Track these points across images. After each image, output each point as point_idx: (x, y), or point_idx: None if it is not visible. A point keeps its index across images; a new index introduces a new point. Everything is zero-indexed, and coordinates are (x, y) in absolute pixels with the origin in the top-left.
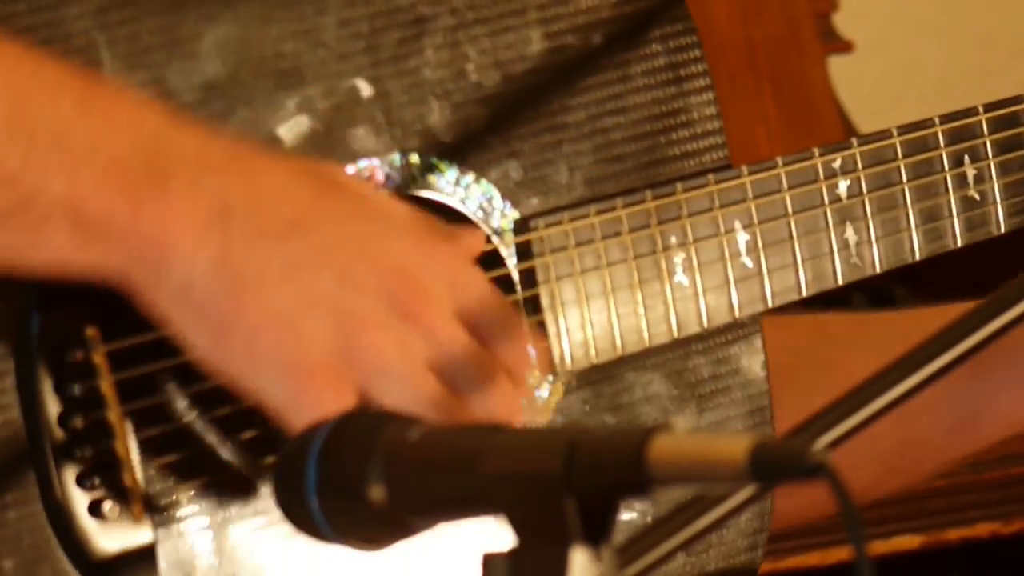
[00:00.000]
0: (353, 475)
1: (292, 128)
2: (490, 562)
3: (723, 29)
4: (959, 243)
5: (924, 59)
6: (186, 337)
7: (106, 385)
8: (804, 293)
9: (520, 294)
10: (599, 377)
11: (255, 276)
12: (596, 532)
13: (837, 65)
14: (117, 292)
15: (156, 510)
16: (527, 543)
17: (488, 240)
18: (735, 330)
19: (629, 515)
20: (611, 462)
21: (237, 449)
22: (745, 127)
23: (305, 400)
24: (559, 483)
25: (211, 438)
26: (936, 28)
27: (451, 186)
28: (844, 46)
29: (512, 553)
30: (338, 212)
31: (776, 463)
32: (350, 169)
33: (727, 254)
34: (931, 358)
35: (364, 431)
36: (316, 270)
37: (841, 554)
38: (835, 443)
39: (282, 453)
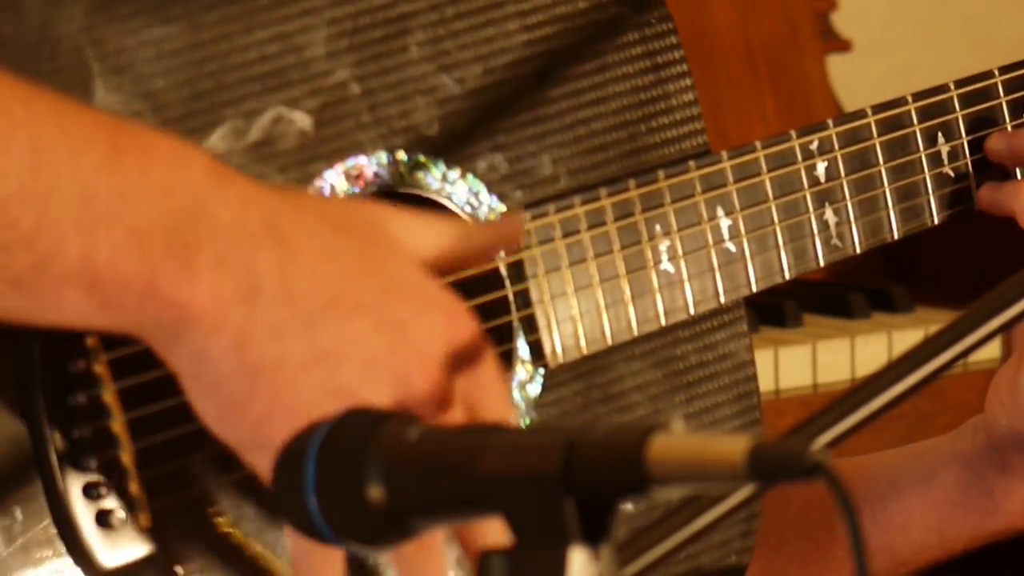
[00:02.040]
0: (352, 475)
1: (281, 129)
2: (488, 561)
3: (722, 29)
4: (935, 221)
5: (922, 59)
6: (195, 404)
7: (109, 394)
8: (787, 276)
9: (509, 288)
10: (589, 368)
11: (273, 364)
12: (595, 532)
13: (835, 64)
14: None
15: (162, 519)
16: (526, 543)
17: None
18: (720, 316)
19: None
20: (609, 462)
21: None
22: (743, 126)
23: None
24: (558, 483)
25: (217, 444)
26: (934, 28)
27: (438, 182)
28: (842, 45)
29: (511, 553)
30: (370, 296)
31: (774, 463)
32: (338, 168)
33: (710, 240)
34: (931, 357)
35: (363, 431)
36: (338, 363)
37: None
38: (834, 443)
39: (280, 453)
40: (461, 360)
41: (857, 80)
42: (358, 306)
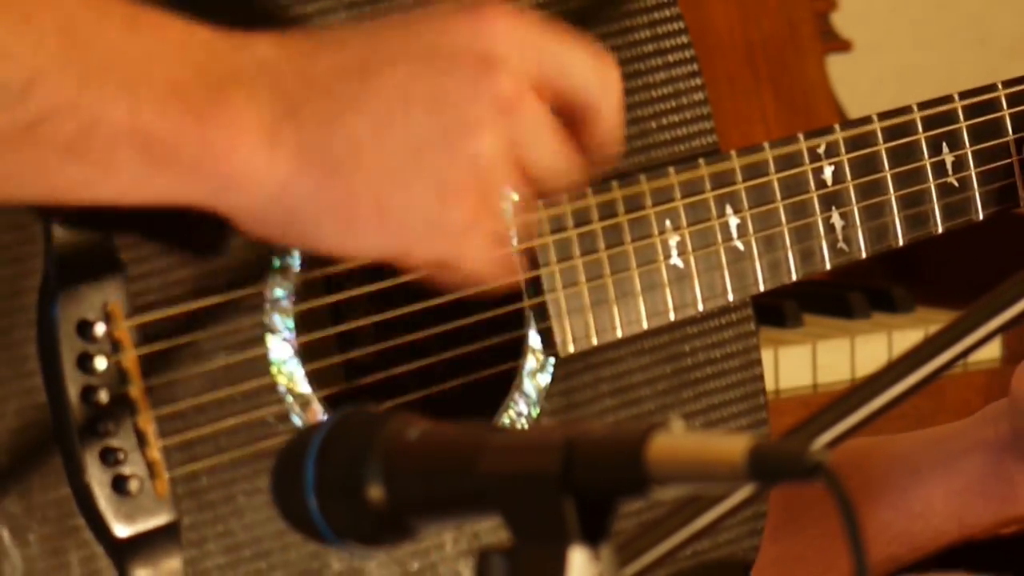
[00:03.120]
0: (351, 475)
1: None
2: (488, 560)
3: (722, 28)
4: (939, 229)
5: (923, 59)
6: (311, 242)
7: (129, 360)
8: (794, 277)
9: (521, 276)
10: (599, 360)
11: (348, 150)
12: (595, 532)
13: (836, 64)
14: (138, 266)
15: (179, 487)
16: (526, 543)
17: None
18: (728, 314)
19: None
20: (609, 462)
21: (261, 423)
22: (744, 126)
23: (469, 222)
24: (558, 483)
25: (231, 414)
26: (934, 28)
27: None
28: (843, 45)
29: (510, 552)
30: (394, 46)
31: (775, 463)
32: None
33: (719, 238)
34: (931, 357)
35: (363, 430)
36: (404, 111)
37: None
38: (834, 443)
39: (280, 452)
40: (519, 46)
41: (857, 80)
42: (388, 61)
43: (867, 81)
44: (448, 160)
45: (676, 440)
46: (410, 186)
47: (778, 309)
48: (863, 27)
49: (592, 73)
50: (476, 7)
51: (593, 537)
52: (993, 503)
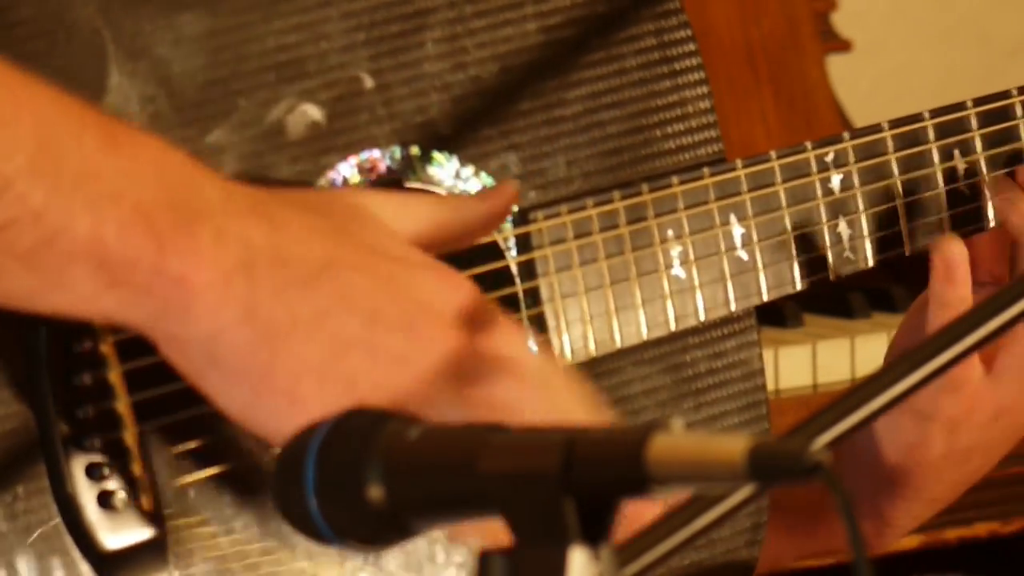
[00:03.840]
0: (352, 475)
1: (294, 120)
2: (488, 561)
3: (722, 29)
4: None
5: (923, 59)
6: (219, 392)
7: (114, 375)
8: (798, 287)
9: (519, 286)
10: (598, 371)
11: (286, 325)
12: (595, 532)
13: (836, 64)
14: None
15: (166, 501)
16: (525, 543)
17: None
18: (731, 324)
19: None
20: (609, 462)
21: (247, 439)
22: (744, 126)
23: None
24: (558, 483)
25: (221, 428)
26: (935, 28)
27: (451, 179)
28: (843, 45)
29: (510, 552)
30: (358, 256)
31: (774, 463)
32: (351, 161)
33: (723, 248)
34: (931, 357)
35: (363, 430)
36: (343, 317)
37: (839, 554)
38: (834, 443)
39: (280, 453)
40: (469, 317)
41: (857, 80)
42: (350, 266)
43: (867, 81)
44: (367, 370)
45: (676, 440)
46: (325, 383)
47: (778, 309)
48: (863, 27)
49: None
50: (448, 272)
51: (593, 537)
52: (797, 541)
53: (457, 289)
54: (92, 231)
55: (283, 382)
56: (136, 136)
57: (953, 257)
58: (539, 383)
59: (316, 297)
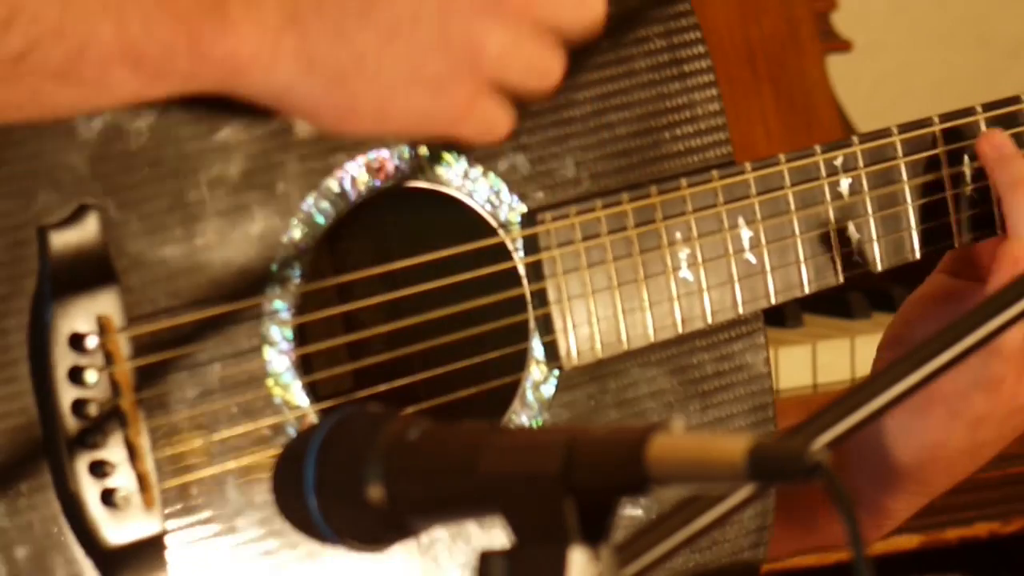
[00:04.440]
0: (352, 475)
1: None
2: (488, 561)
3: (722, 29)
4: (958, 243)
5: (923, 59)
6: (307, 121)
7: (120, 372)
8: (807, 291)
9: (527, 287)
10: (604, 372)
11: (352, 64)
12: (595, 532)
13: (836, 64)
14: (131, 278)
15: (168, 499)
16: (526, 543)
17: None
18: (738, 327)
19: (634, 511)
20: (610, 462)
21: (255, 435)
22: (744, 126)
23: (464, 109)
24: (558, 483)
25: (224, 427)
26: (934, 28)
27: (459, 179)
28: (843, 45)
29: (510, 553)
30: None
31: (774, 463)
32: (360, 160)
33: (731, 250)
34: (931, 357)
35: (363, 430)
36: (412, 21)
37: (840, 554)
38: (834, 443)
39: (281, 453)
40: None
41: (857, 80)
42: None
43: (867, 81)
44: (448, 67)
45: (676, 440)
46: (410, 91)
47: (778, 309)
48: (863, 27)
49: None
50: None
51: (593, 537)
52: (795, 535)
53: None
54: (117, 33)
55: (367, 106)
56: None
57: (995, 138)
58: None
59: (375, 23)
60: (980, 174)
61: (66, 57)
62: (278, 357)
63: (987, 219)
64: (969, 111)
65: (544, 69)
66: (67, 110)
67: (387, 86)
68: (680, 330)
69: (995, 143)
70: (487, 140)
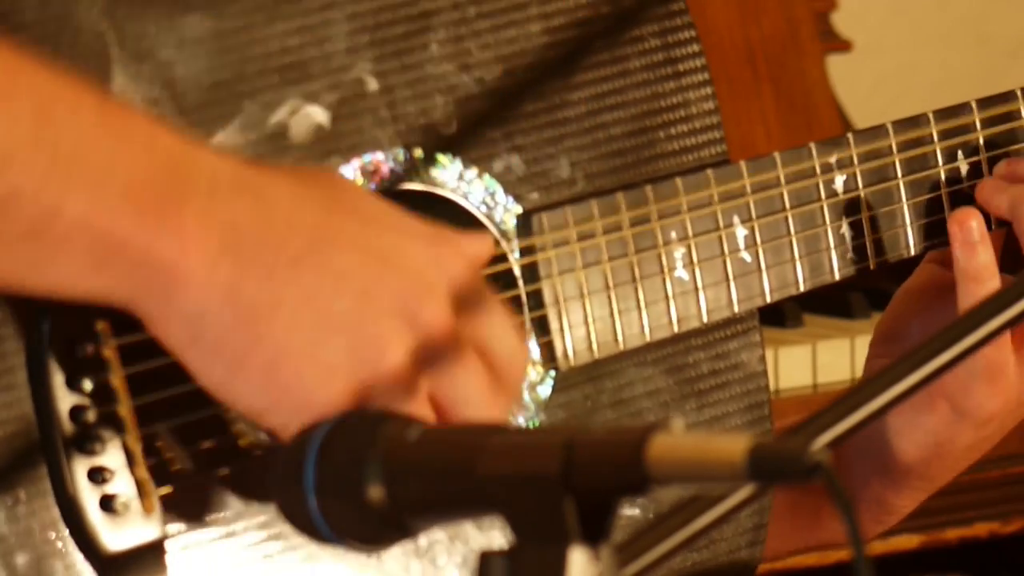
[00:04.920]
0: (352, 475)
1: (298, 122)
2: (488, 562)
3: (722, 29)
4: None
5: (923, 59)
6: (198, 369)
7: (117, 379)
8: (802, 288)
9: (523, 288)
10: (600, 372)
11: (269, 306)
12: (595, 532)
13: (836, 64)
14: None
15: (167, 505)
16: (526, 543)
17: (496, 244)
18: (734, 325)
19: (631, 511)
20: (609, 462)
21: (252, 441)
22: (744, 126)
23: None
24: (557, 483)
25: (223, 432)
26: (934, 28)
27: (455, 180)
28: (843, 45)
29: (510, 553)
30: (350, 231)
31: (774, 463)
32: (355, 163)
33: (726, 249)
34: (931, 357)
35: (363, 431)
36: (332, 295)
37: (839, 554)
38: (834, 443)
39: (280, 453)
40: (459, 293)
41: (857, 80)
42: (339, 242)
43: (867, 81)
44: (346, 357)
45: (676, 440)
46: (303, 365)
47: (778, 309)
48: (863, 27)
49: (509, 348)
50: (446, 240)
51: (593, 537)
52: (800, 533)
53: (452, 259)
54: (89, 208)
55: (259, 366)
56: (127, 113)
57: (967, 221)
58: (494, 382)
59: (304, 276)
60: (974, 170)
61: (34, 219)
62: None
63: (983, 215)
64: (964, 108)
65: (469, 401)
66: (11, 272)
67: (289, 348)
68: (676, 329)
69: (964, 224)
70: None
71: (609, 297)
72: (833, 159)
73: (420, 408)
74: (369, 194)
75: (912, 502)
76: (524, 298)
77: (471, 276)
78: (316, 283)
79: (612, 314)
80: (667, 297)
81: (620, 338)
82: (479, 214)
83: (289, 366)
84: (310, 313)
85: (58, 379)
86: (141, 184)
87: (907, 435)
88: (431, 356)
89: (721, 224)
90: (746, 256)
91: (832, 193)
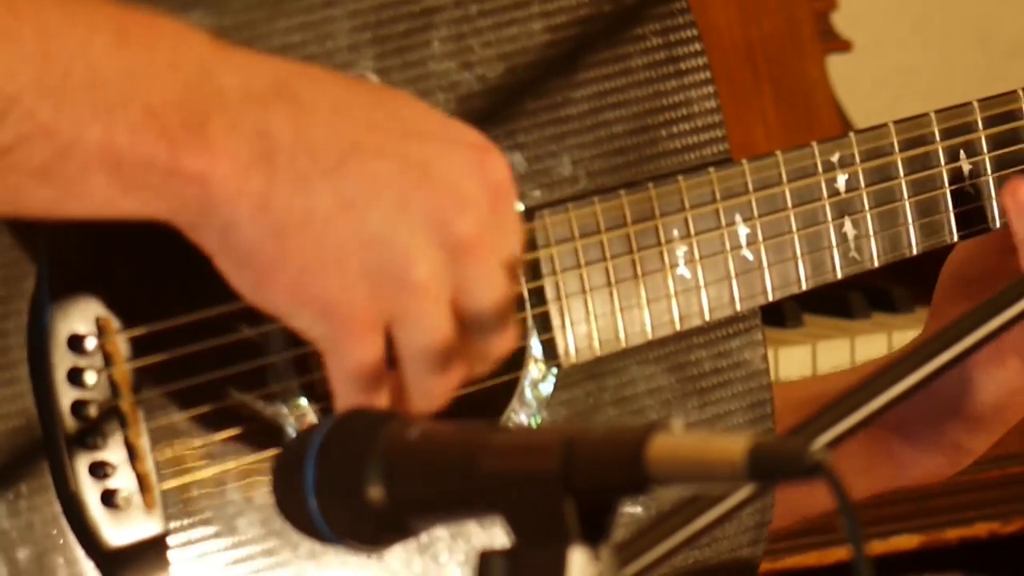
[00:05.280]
0: (352, 475)
1: None
2: (488, 561)
3: (722, 28)
4: (955, 238)
5: (922, 58)
6: (230, 275)
7: (119, 373)
8: (804, 287)
9: (524, 285)
10: (602, 370)
11: (299, 220)
12: (595, 532)
13: (836, 64)
14: (130, 279)
15: (169, 499)
16: (525, 543)
17: None
18: (736, 323)
19: (634, 509)
20: (609, 462)
21: (250, 438)
22: (744, 126)
23: (345, 347)
24: (557, 483)
25: (225, 427)
26: (934, 28)
27: None
28: (843, 45)
29: (510, 552)
30: (392, 139)
31: (774, 463)
32: None
33: (728, 247)
34: (931, 357)
35: (363, 430)
36: (365, 209)
37: (839, 554)
38: (834, 442)
39: (280, 453)
40: (493, 198)
41: (857, 80)
42: (378, 151)
43: (867, 81)
44: (373, 269)
45: (676, 440)
46: (331, 277)
47: (778, 309)
48: (863, 27)
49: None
50: (490, 151)
51: (593, 537)
52: (878, 481)
53: (493, 164)
54: (103, 139)
55: (286, 277)
56: (151, 26)
57: (1019, 192)
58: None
59: (336, 188)
60: (976, 170)
61: (49, 157)
62: (276, 357)
63: (982, 215)
64: (966, 107)
65: (441, 335)
66: (41, 211)
67: (319, 260)
68: (678, 327)
69: (1016, 195)
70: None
71: (611, 294)
72: (835, 157)
73: (441, 320)
74: (416, 100)
75: (985, 444)
76: (526, 294)
77: (505, 184)
78: (351, 192)
79: (614, 311)
80: (669, 295)
81: (622, 335)
82: None
83: (315, 280)
84: (343, 223)
85: (60, 373)
86: (160, 106)
87: (984, 385)
88: (458, 269)
89: (723, 222)
90: (748, 254)
91: (834, 191)
